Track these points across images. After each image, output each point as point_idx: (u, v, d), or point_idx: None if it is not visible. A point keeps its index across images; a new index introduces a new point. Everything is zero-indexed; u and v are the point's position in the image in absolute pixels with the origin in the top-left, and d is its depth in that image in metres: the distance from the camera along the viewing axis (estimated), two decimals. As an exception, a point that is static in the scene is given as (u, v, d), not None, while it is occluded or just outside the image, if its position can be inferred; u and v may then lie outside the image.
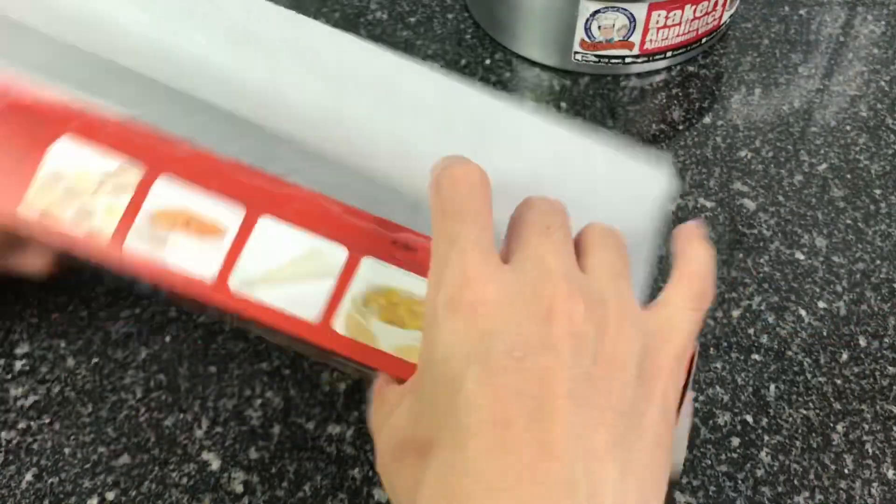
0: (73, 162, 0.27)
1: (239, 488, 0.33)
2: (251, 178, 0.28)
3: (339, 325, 0.27)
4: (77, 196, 0.27)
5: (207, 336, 0.38)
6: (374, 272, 0.27)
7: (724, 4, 0.49)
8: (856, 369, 0.37)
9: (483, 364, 0.20)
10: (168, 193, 0.27)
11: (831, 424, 0.36)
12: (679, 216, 0.43)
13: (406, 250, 0.28)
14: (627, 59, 0.49)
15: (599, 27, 0.47)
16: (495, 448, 0.20)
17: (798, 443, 0.35)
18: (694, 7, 0.47)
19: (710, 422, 0.35)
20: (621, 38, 0.48)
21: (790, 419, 0.36)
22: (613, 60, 0.49)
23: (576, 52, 0.49)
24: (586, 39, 0.48)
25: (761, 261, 0.41)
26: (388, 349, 0.27)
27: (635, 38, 0.48)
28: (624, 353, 0.22)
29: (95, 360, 0.37)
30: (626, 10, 0.46)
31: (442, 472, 0.21)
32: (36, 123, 0.28)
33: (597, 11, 0.46)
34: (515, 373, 0.20)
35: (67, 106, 0.28)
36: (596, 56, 0.49)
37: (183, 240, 0.27)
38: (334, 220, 0.28)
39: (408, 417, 0.23)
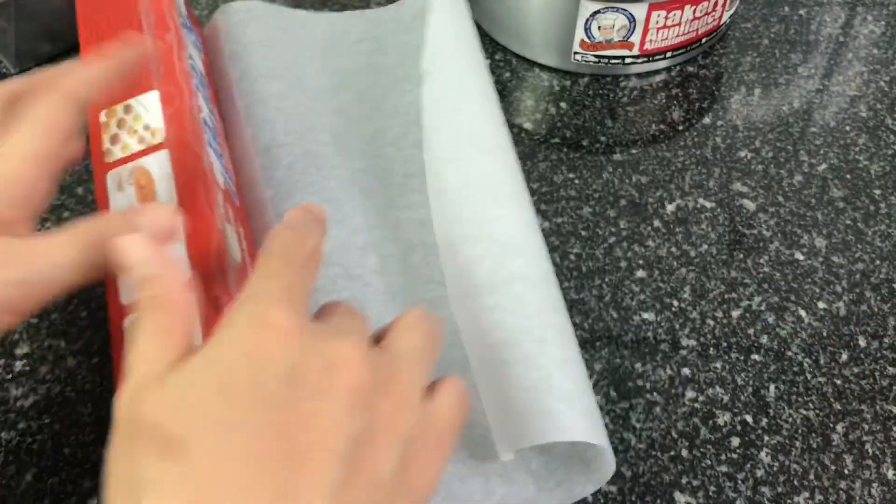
0: (143, 107, 0.36)
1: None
2: (207, 205, 0.33)
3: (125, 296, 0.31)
4: (124, 126, 0.36)
5: (207, 336, 0.38)
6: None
7: (723, 4, 0.49)
8: (855, 369, 0.37)
9: (260, 391, 0.20)
10: (157, 164, 0.35)
11: (831, 425, 0.36)
12: (679, 216, 0.43)
13: (216, 311, 0.30)
14: (627, 60, 0.49)
15: (599, 27, 0.47)
16: (248, 476, 0.19)
17: (798, 443, 0.35)
18: (694, 7, 0.47)
19: (710, 422, 0.35)
20: (621, 39, 0.48)
21: (790, 419, 0.36)
22: (613, 61, 0.49)
23: (575, 53, 0.49)
24: (586, 40, 0.48)
25: (761, 261, 0.41)
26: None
27: (635, 38, 0.48)
28: (397, 432, 0.22)
29: (95, 360, 0.37)
30: (625, 10, 0.46)
31: (189, 480, 0.20)
32: (151, 69, 0.38)
33: (597, 12, 0.46)
34: (290, 411, 0.20)
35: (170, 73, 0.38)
36: (596, 56, 0.49)
37: (130, 191, 0.34)
38: (211, 266, 0.32)
39: (167, 405, 0.21)
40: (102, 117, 0.36)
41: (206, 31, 0.46)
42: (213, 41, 0.45)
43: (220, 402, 0.20)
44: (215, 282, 0.31)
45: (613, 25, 0.47)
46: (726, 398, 0.36)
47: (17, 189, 0.27)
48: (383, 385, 0.22)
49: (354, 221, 0.37)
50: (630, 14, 0.46)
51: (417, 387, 0.23)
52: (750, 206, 0.44)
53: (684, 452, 0.35)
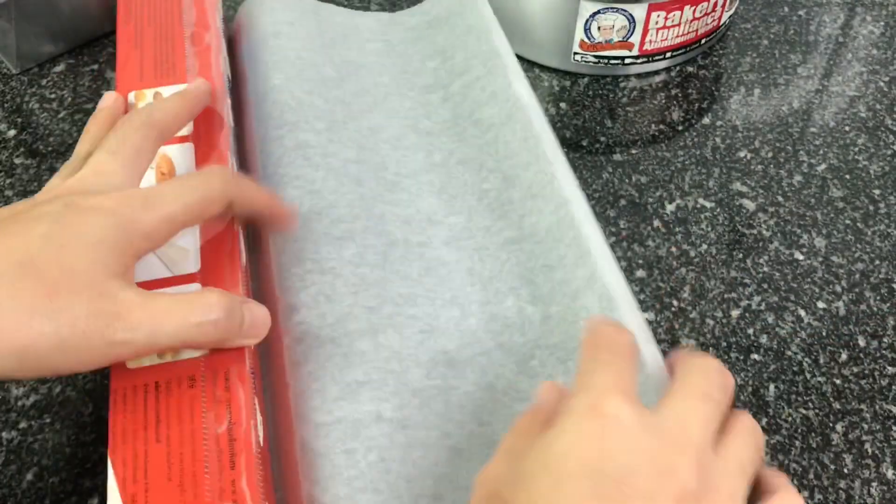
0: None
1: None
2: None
3: None
4: None
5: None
6: None
7: (723, 5, 0.49)
8: (855, 369, 0.37)
9: (595, 483, 0.21)
10: (181, 155, 0.35)
11: (830, 424, 0.36)
12: (678, 216, 0.43)
13: None
14: (627, 60, 0.49)
15: (599, 28, 0.47)
16: None
17: (797, 442, 0.35)
18: (693, 8, 0.47)
19: (710, 421, 0.36)
20: (621, 39, 0.48)
21: (789, 419, 0.36)
22: (613, 61, 0.49)
23: (575, 53, 0.49)
24: (585, 40, 0.48)
25: (761, 261, 0.41)
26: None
27: (635, 38, 0.48)
28: None
29: (96, 360, 0.37)
30: (625, 10, 0.46)
31: None
32: (187, 63, 0.39)
33: (596, 12, 0.46)
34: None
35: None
36: (595, 57, 0.49)
37: (150, 175, 0.34)
38: (223, 267, 0.32)
39: (505, 475, 0.24)
40: (131, 98, 0.37)
41: (231, 29, 0.46)
42: (235, 41, 0.45)
43: (550, 482, 0.22)
44: (225, 281, 0.32)
45: (613, 26, 0.47)
46: (726, 398, 0.36)
47: (147, 244, 0.28)
48: (707, 494, 0.22)
49: (336, 212, 0.37)
50: (630, 14, 0.46)
51: (738, 498, 0.24)
52: (749, 205, 0.44)
53: (684, 452, 0.35)
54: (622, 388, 0.24)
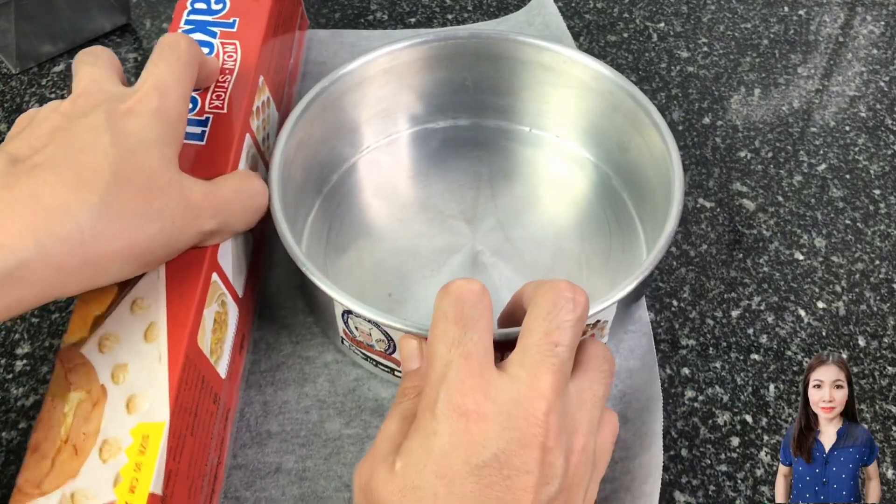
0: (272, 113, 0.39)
1: (240, 488, 0.33)
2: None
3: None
4: (262, 113, 0.37)
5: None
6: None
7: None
8: (855, 369, 0.37)
9: (477, 474, 0.23)
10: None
11: (830, 424, 0.36)
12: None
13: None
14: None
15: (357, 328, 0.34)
16: None
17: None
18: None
19: (710, 421, 0.36)
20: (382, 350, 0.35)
21: (790, 419, 0.36)
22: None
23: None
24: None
25: (760, 261, 0.41)
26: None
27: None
28: (580, 480, 0.25)
29: (96, 360, 0.37)
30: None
31: None
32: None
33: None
34: (500, 488, 0.23)
35: None
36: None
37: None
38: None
39: (396, 488, 0.24)
40: (259, 83, 0.37)
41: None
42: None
43: (441, 484, 0.23)
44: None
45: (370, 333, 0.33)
46: (726, 398, 0.36)
47: (181, 126, 0.29)
48: (571, 440, 0.25)
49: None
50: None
51: (594, 432, 0.26)
52: (749, 205, 0.44)
53: (684, 452, 0.35)
54: (478, 369, 0.24)
